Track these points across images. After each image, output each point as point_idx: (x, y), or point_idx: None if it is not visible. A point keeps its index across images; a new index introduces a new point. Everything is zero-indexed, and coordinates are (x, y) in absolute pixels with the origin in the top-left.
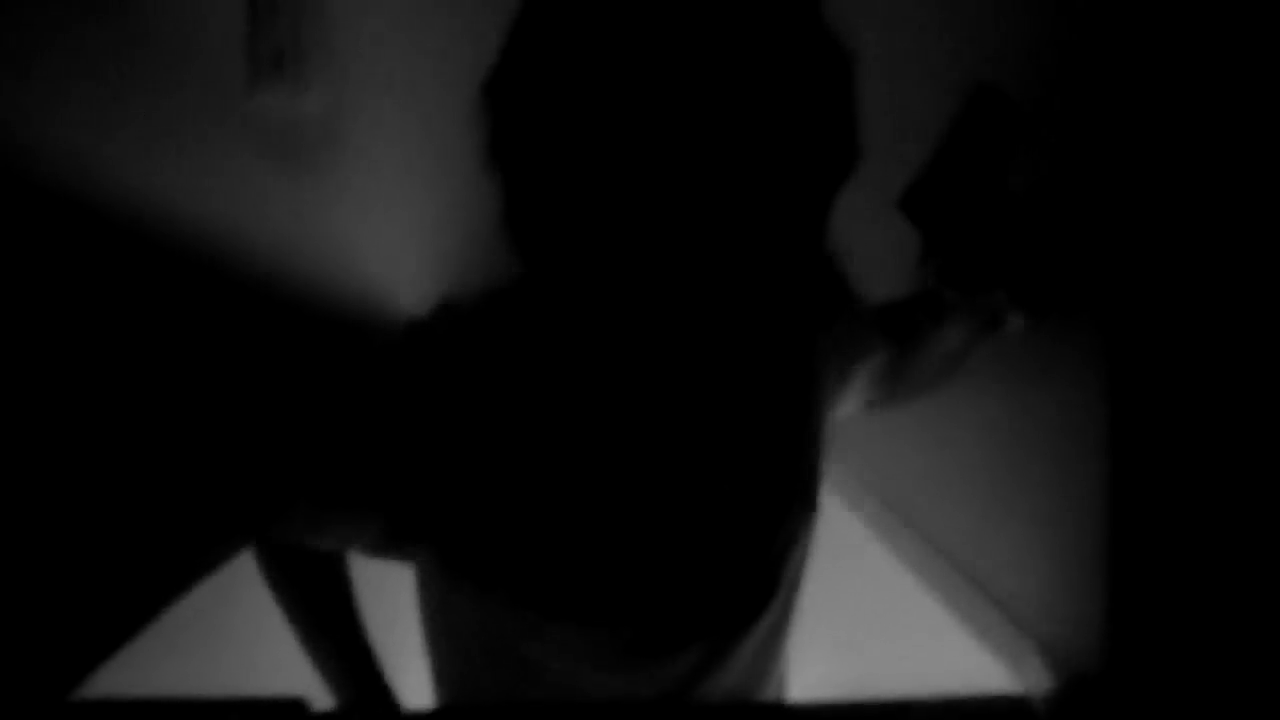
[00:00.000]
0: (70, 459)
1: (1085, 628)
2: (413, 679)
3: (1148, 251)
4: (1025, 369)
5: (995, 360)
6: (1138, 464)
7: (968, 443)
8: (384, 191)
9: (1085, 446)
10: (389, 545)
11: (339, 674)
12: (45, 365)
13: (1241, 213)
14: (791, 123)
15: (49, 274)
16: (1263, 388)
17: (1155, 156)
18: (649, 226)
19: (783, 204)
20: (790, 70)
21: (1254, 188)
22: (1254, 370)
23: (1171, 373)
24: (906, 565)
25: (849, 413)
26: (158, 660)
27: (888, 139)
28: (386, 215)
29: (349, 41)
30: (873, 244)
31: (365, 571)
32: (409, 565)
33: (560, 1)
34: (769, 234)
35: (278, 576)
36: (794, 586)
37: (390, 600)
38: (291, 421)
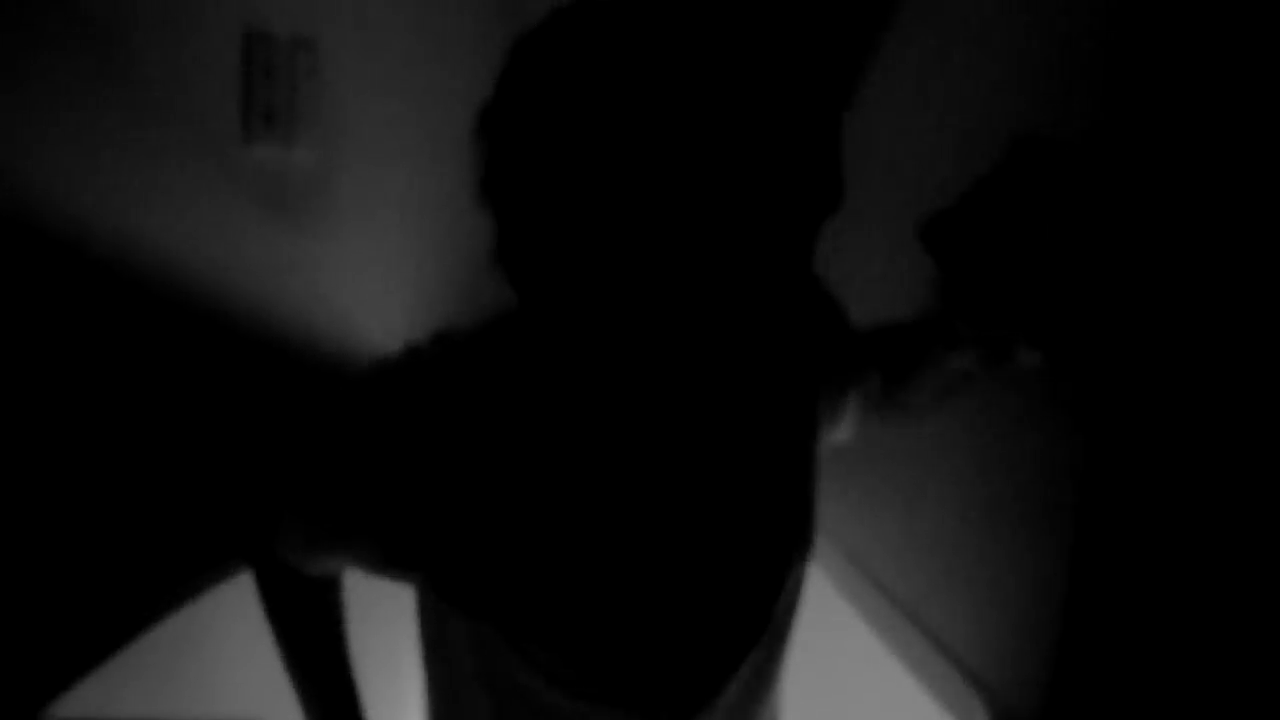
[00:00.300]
0: (49, 489)
1: (1033, 686)
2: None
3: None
4: (995, 428)
5: (964, 419)
6: (1097, 533)
7: (932, 500)
8: (369, 240)
9: (1048, 511)
10: (383, 570)
11: (316, 702)
12: (28, 401)
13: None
14: (778, 161)
15: (38, 311)
16: (1222, 467)
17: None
18: (640, 260)
19: (770, 240)
20: (776, 111)
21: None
22: (1217, 449)
23: (1139, 442)
24: (862, 615)
25: (840, 439)
26: (124, 684)
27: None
28: (371, 262)
29: (338, 100)
30: (880, 265)
31: (368, 592)
32: (408, 585)
33: (554, 39)
34: (758, 268)
35: (272, 599)
36: (788, 618)
37: (390, 622)
38: (287, 446)
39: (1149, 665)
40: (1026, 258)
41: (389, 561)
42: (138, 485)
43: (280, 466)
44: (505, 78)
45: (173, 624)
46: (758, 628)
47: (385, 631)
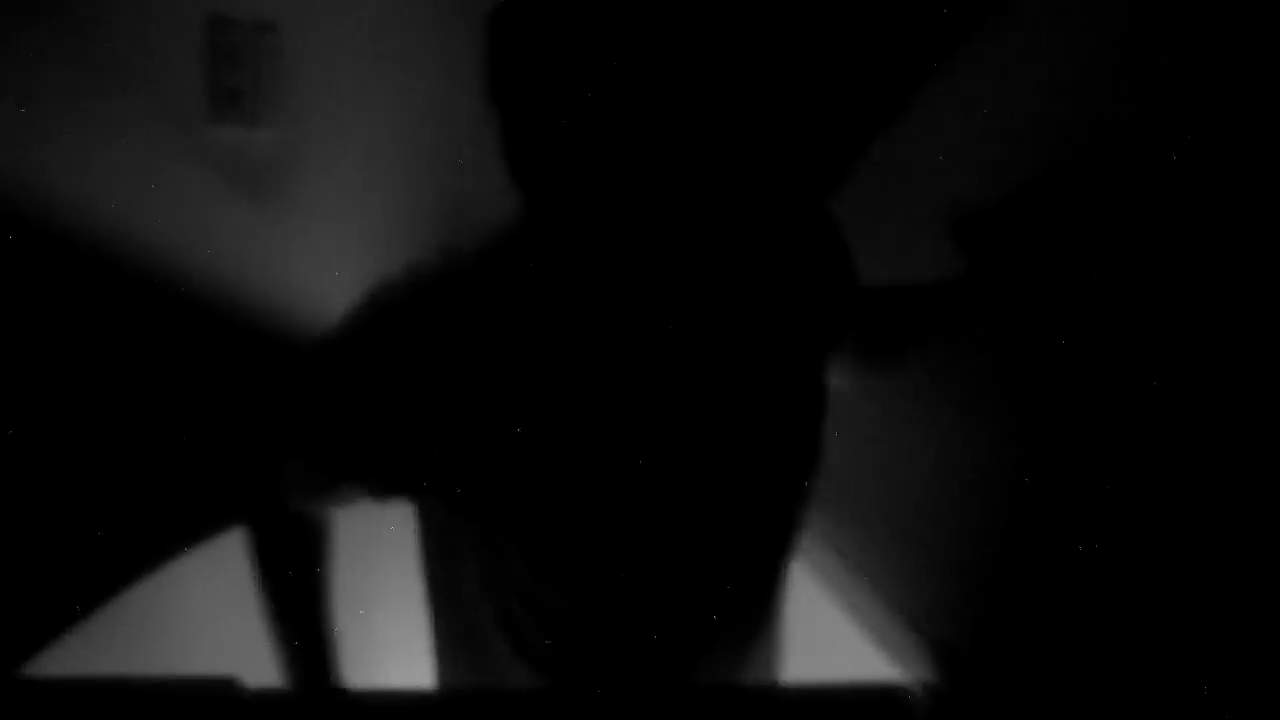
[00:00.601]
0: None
1: (965, 631)
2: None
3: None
4: (939, 399)
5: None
6: (1026, 501)
7: (873, 460)
8: (329, 211)
9: (985, 479)
10: (392, 488)
11: (296, 655)
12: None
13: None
14: (770, 66)
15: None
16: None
17: None
18: (644, 156)
19: (765, 143)
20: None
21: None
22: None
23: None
24: (809, 566)
25: (838, 382)
26: (97, 647)
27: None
28: (331, 232)
29: (300, 82)
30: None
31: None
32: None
33: None
34: (761, 171)
35: (265, 548)
36: (787, 539)
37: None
38: (294, 377)
39: (1074, 605)
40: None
41: (398, 477)
42: (109, 450)
43: (288, 400)
44: None
45: (147, 586)
46: (757, 539)
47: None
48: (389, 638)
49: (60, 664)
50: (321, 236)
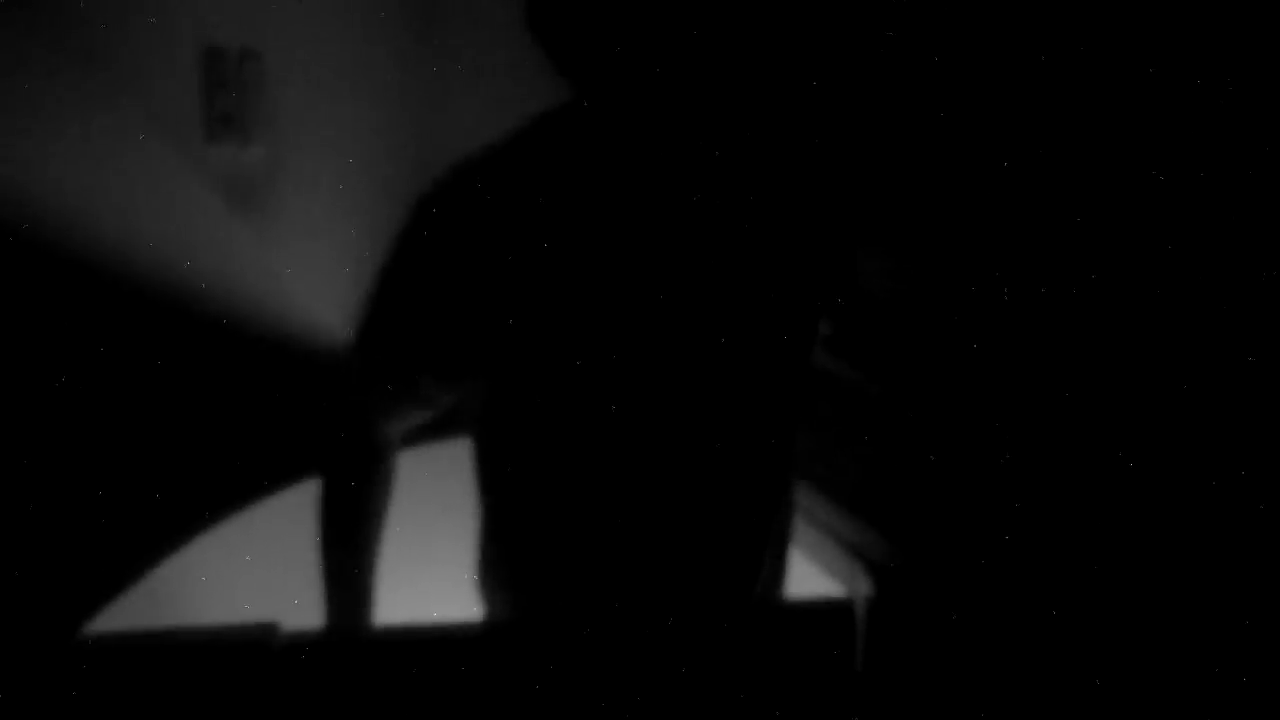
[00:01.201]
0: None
1: (900, 553)
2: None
3: None
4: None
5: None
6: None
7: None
8: (313, 221)
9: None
10: (457, 369)
11: (343, 590)
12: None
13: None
14: None
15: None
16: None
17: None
18: (664, 23)
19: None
20: None
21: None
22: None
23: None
24: None
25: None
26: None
27: None
28: (314, 240)
29: (286, 105)
30: None
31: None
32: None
33: None
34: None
35: (336, 473)
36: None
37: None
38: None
39: (990, 524)
40: None
41: (462, 354)
42: (115, 444)
43: (365, 318)
44: None
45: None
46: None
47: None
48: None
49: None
50: (307, 241)
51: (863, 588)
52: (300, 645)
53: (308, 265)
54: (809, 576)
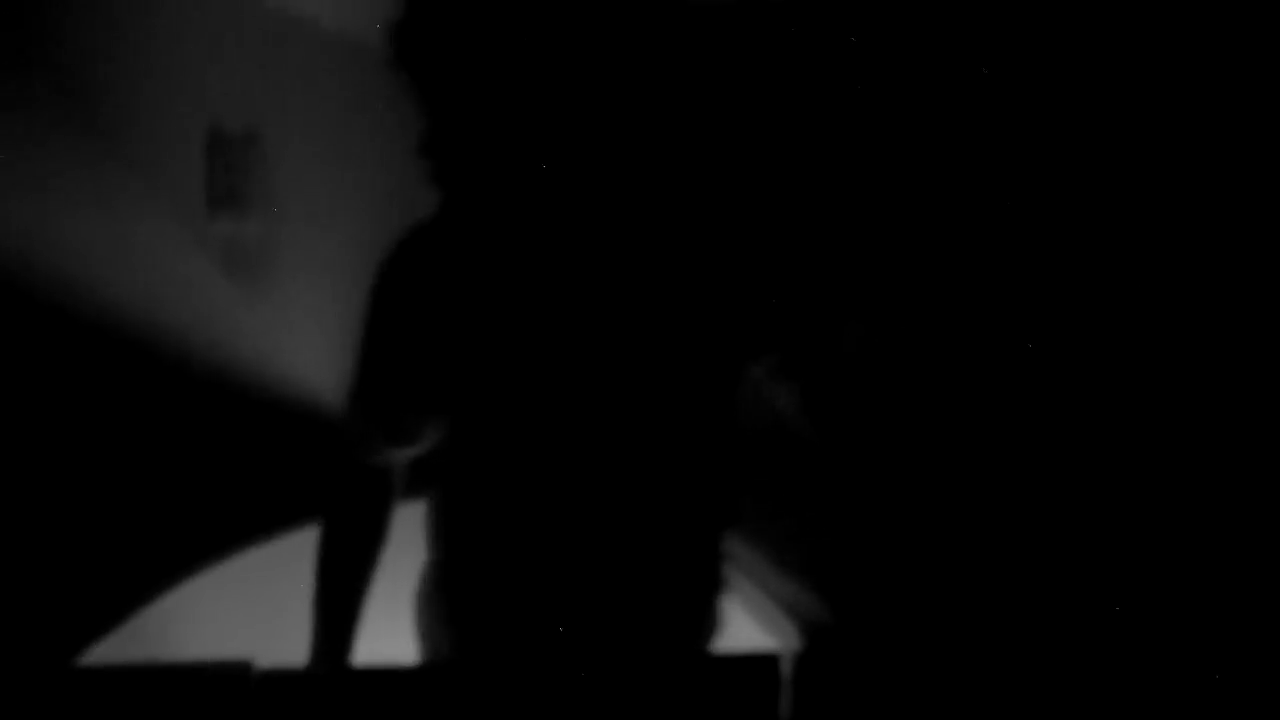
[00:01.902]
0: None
1: (832, 612)
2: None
3: None
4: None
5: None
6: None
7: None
8: (307, 289)
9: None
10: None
11: (332, 618)
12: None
13: None
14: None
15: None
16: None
17: None
18: (535, 147)
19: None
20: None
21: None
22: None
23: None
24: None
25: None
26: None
27: None
28: (308, 306)
29: (282, 182)
30: None
31: None
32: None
33: None
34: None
35: (332, 528)
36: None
37: None
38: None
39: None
40: None
41: (424, 397)
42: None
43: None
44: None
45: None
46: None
47: None
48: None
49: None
50: (302, 308)
51: (793, 643)
52: (274, 681)
53: (300, 331)
54: (743, 630)
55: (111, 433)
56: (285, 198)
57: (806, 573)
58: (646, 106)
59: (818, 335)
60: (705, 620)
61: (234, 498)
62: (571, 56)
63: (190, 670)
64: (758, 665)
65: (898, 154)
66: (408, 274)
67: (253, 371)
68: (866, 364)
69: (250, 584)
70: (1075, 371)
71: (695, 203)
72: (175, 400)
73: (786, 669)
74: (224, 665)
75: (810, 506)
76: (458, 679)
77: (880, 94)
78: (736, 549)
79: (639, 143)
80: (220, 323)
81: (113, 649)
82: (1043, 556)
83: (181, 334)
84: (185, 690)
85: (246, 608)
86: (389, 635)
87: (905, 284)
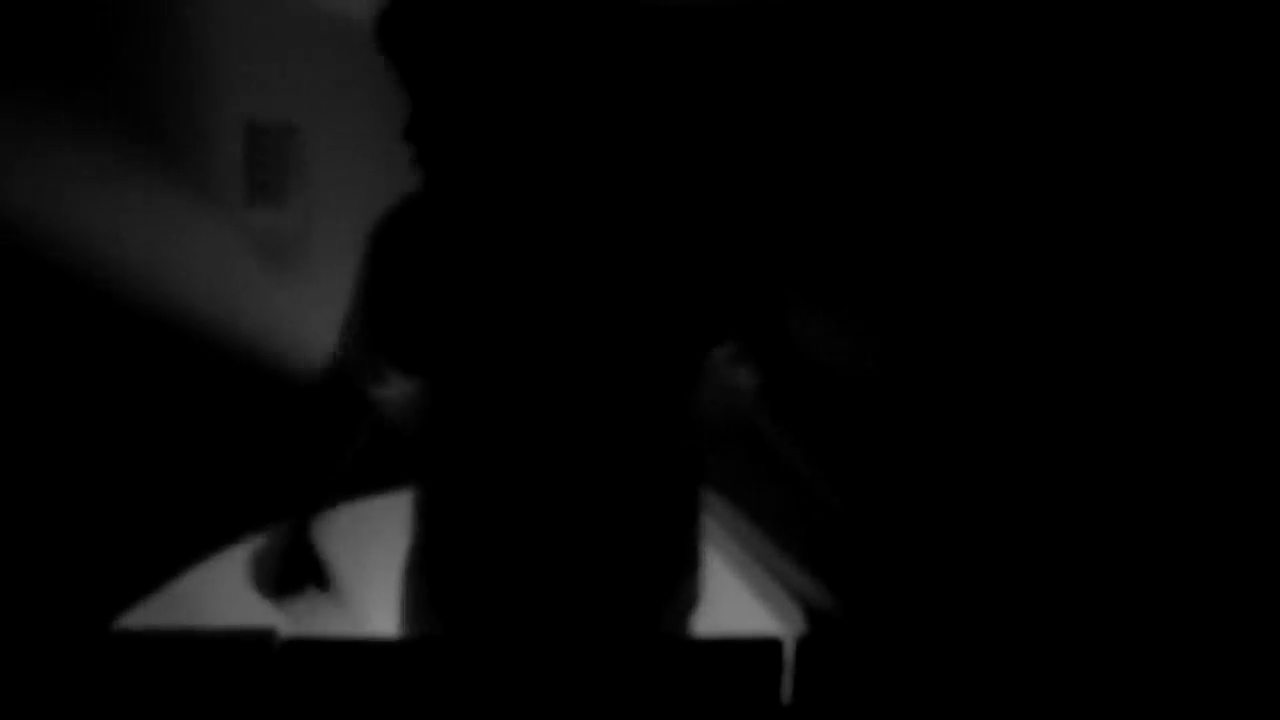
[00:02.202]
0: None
1: (834, 593)
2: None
3: None
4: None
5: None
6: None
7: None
8: (342, 280)
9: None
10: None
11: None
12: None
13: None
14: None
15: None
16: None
17: None
18: (504, 141)
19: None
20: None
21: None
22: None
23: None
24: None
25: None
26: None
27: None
28: (342, 297)
29: (319, 173)
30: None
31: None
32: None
33: None
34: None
35: (311, 405)
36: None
37: None
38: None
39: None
40: None
41: (393, 336)
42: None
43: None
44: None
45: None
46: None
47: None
48: None
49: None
50: (333, 299)
51: (798, 627)
52: (296, 648)
53: (333, 321)
54: (754, 614)
55: (154, 413)
56: (322, 189)
57: (810, 559)
58: (614, 102)
59: (775, 323)
60: (680, 596)
61: (266, 477)
62: (541, 54)
63: (217, 637)
64: (761, 649)
65: (854, 149)
66: (392, 240)
67: (283, 345)
68: (823, 351)
69: None
70: (1032, 357)
71: (659, 192)
72: (214, 381)
73: (789, 653)
74: (249, 632)
75: (815, 502)
76: (477, 652)
77: (834, 96)
78: (743, 531)
79: (606, 136)
80: (256, 309)
81: (148, 615)
82: (1031, 548)
83: (216, 321)
84: (212, 655)
85: None
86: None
87: (864, 274)
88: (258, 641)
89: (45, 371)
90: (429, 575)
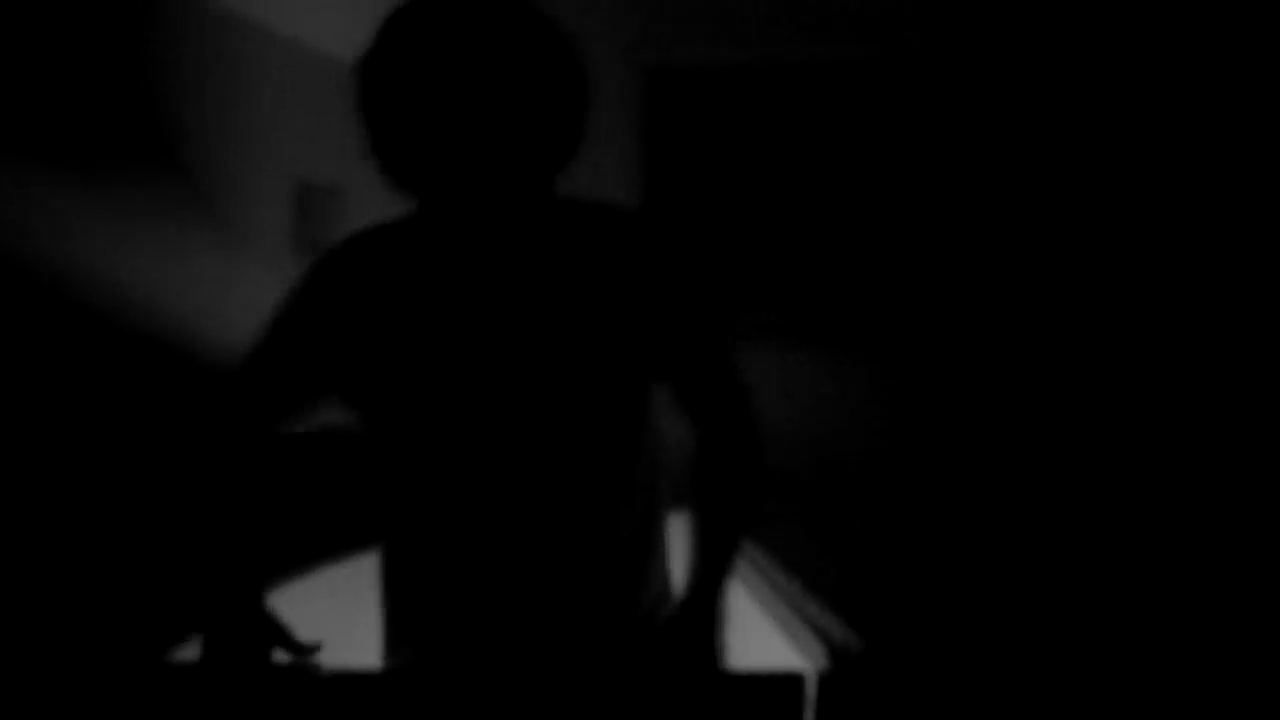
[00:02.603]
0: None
1: (859, 639)
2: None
3: None
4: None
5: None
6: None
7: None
8: None
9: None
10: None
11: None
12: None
13: None
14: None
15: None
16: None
17: None
18: (458, 164)
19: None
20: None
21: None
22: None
23: None
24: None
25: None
26: None
27: None
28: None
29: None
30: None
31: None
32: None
33: (407, 24)
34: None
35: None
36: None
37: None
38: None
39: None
40: None
41: (329, 376)
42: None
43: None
44: (376, 45)
45: None
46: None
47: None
48: None
49: None
50: None
51: (820, 663)
52: (339, 681)
53: None
54: (777, 649)
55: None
56: None
57: (840, 603)
58: (565, 147)
59: (706, 371)
60: (650, 582)
61: (312, 519)
62: (490, 101)
63: (265, 669)
64: (783, 684)
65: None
66: (342, 280)
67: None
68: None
69: (325, 596)
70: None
71: (604, 231)
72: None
73: (811, 688)
74: (296, 665)
75: (845, 546)
76: (490, 683)
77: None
78: (766, 567)
79: (556, 179)
80: None
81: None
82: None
83: None
84: (260, 686)
85: (319, 618)
86: None
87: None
88: (304, 674)
89: (103, 424)
90: (392, 596)
